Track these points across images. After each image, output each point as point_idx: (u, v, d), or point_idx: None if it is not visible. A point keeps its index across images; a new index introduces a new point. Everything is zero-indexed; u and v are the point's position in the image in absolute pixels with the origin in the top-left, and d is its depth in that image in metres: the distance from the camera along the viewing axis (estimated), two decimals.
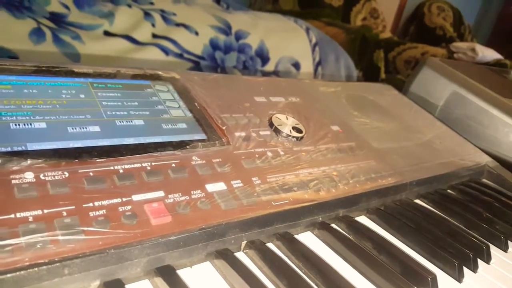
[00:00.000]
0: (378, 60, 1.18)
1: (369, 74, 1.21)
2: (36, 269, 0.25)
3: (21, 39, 0.72)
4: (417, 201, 0.48)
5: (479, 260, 0.39)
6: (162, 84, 0.44)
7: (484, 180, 0.58)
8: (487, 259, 0.40)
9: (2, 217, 0.26)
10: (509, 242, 0.44)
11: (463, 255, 0.38)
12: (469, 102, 0.66)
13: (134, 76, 0.44)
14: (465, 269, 0.38)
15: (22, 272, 0.24)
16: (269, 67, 1.02)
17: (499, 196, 0.52)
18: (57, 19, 0.79)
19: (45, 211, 0.27)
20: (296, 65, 1.07)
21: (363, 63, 1.20)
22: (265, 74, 0.99)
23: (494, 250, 0.42)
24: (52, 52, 0.74)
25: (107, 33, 0.83)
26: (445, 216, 0.46)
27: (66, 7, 0.81)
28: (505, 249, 0.43)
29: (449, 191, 0.52)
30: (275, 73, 1.02)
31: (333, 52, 1.16)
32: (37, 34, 0.74)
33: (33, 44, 0.73)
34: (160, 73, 0.45)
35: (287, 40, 1.07)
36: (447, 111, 0.69)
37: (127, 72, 0.44)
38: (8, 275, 0.24)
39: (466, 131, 0.65)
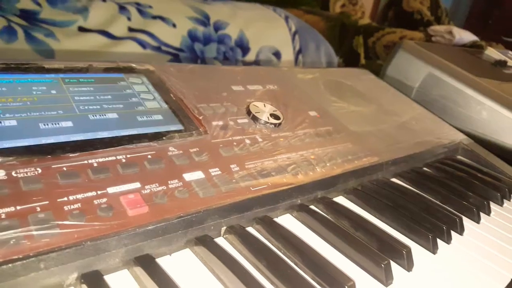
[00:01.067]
0: (357, 46, 1.19)
1: (349, 60, 1.22)
2: (10, 265, 0.25)
3: None
4: (394, 179, 0.49)
5: (453, 232, 0.40)
6: (136, 77, 0.44)
7: (459, 157, 0.59)
8: (461, 230, 0.41)
9: None
10: (481, 214, 0.45)
11: (436, 228, 0.39)
12: (443, 82, 0.67)
13: (107, 70, 0.43)
14: (439, 242, 0.39)
15: None
16: (250, 57, 1.02)
17: (472, 171, 0.53)
18: (29, 16, 0.78)
19: (18, 207, 0.27)
20: (277, 54, 1.07)
21: (343, 50, 1.20)
22: (246, 64, 0.99)
23: (467, 222, 0.43)
24: (24, 50, 0.72)
25: (81, 29, 0.82)
26: (420, 193, 0.47)
27: (38, 3, 0.80)
28: (477, 220, 0.44)
29: (424, 169, 0.53)
30: (256, 63, 1.02)
31: (313, 40, 1.16)
32: (8, 32, 0.73)
33: (4, 43, 0.72)
34: (133, 65, 0.45)
35: (267, 30, 1.07)
36: (423, 93, 0.70)
37: (100, 66, 0.43)
38: None
39: (442, 111, 0.66)
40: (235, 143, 0.40)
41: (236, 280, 0.29)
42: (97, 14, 0.83)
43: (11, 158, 0.30)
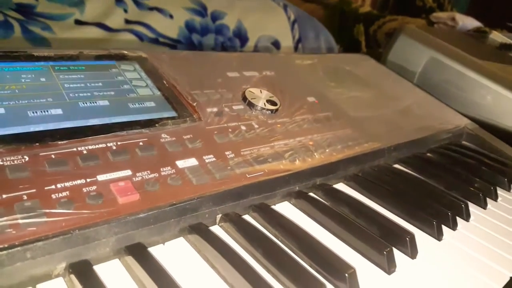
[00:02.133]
0: (358, 35, 1.17)
1: (350, 49, 1.20)
2: None
3: None
4: (396, 165, 0.48)
5: (458, 219, 0.39)
6: (128, 64, 0.43)
7: (464, 142, 0.58)
8: (466, 217, 0.40)
9: None
10: (488, 199, 0.44)
11: (441, 214, 0.38)
12: (446, 66, 0.66)
13: (98, 57, 0.42)
14: (445, 228, 0.37)
15: None
16: (248, 47, 1.00)
17: (478, 156, 0.52)
18: (25, 10, 0.77)
19: (4, 196, 0.26)
20: (276, 44, 1.06)
21: (344, 38, 1.18)
22: None
23: (473, 208, 0.42)
24: (22, 44, 0.71)
25: (78, 22, 0.81)
26: (423, 179, 0.45)
27: None
28: (484, 206, 0.43)
29: (428, 154, 0.52)
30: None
31: (312, 28, 1.14)
32: (4, 26, 0.72)
33: (1, 37, 0.71)
34: (125, 52, 0.44)
35: (265, 19, 1.06)
36: (425, 78, 0.68)
37: (91, 53, 0.42)
38: None
39: (445, 96, 0.65)
40: (230, 130, 0.39)
41: (231, 268, 0.28)
42: (93, 7, 0.82)
43: None
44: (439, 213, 0.38)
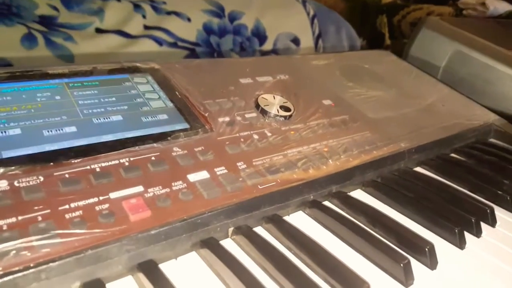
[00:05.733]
0: (381, 26, 1.14)
1: (373, 42, 1.17)
2: (11, 277, 0.24)
3: (14, 46, 0.72)
4: (418, 168, 0.46)
5: (483, 224, 0.37)
6: (141, 76, 0.44)
7: (491, 140, 0.55)
8: (492, 222, 0.38)
9: None
10: None
11: (464, 221, 0.36)
12: (472, 59, 0.62)
13: (111, 71, 0.43)
14: (468, 235, 0.36)
15: None
16: (267, 46, 0.99)
17: (506, 155, 0.49)
18: (47, 22, 0.79)
19: (19, 218, 0.27)
20: (296, 41, 1.04)
21: (366, 31, 1.15)
22: (264, 53, 0.97)
23: (500, 213, 0.40)
24: (45, 56, 0.74)
25: (98, 30, 0.82)
26: (447, 182, 0.44)
27: (55, 8, 0.81)
28: None
29: (452, 155, 0.49)
30: (274, 51, 1.00)
31: (333, 23, 1.12)
32: (28, 39, 0.74)
33: (26, 49, 0.73)
34: (138, 65, 0.45)
35: (284, 16, 1.04)
36: (450, 72, 0.65)
37: (104, 68, 0.43)
38: None
39: (471, 91, 0.62)
40: (242, 140, 0.39)
41: (240, 284, 0.27)
42: (112, 15, 0.83)
43: (13, 167, 0.30)
44: (461, 220, 0.36)
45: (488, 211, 0.38)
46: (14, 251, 0.25)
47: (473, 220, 0.36)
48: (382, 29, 1.15)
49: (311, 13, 1.07)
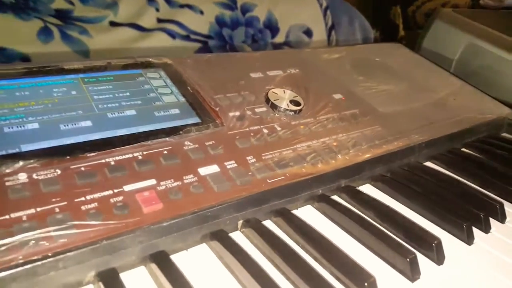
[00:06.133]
0: (395, 17, 1.12)
1: (387, 33, 1.16)
2: (30, 265, 0.26)
3: (30, 40, 0.73)
4: (428, 163, 0.46)
5: (492, 220, 0.37)
6: (153, 71, 0.44)
7: (504, 134, 0.55)
8: (502, 218, 0.38)
9: None
10: None
11: (473, 216, 0.36)
12: (485, 52, 0.62)
13: (125, 66, 0.44)
14: (477, 231, 0.36)
15: (17, 269, 0.25)
16: (279, 38, 0.99)
17: None
18: (63, 16, 0.80)
19: (38, 209, 0.28)
20: (308, 33, 1.04)
21: (380, 22, 1.14)
22: (276, 45, 0.97)
23: (510, 208, 0.40)
24: (61, 51, 0.75)
25: (113, 24, 0.83)
26: (457, 177, 0.44)
27: (70, 2, 0.82)
28: None
29: (463, 149, 0.49)
30: (286, 43, 0.99)
31: (346, 14, 1.11)
32: (44, 33, 0.75)
33: (42, 43, 0.75)
34: (151, 60, 0.45)
35: (296, 7, 1.04)
36: (463, 65, 0.65)
37: (118, 63, 0.44)
38: (5, 273, 0.25)
39: (484, 84, 0.61)
40: (252, 134, 0.40)
41: (247, 275, 0.28)
42: (126, 8, 0.84)
43: (32, 161, 0.31)
44: (470, 215, 0.37)
45: (497, 206, 0.38)
46: (33, 241, 0.27)
47: (481, 216, 0.36)
48: (396, 20, 1.13)
49: (324, 4, 1.06)
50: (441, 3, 1.13)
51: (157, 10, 0.86)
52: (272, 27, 0.97)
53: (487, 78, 0.62)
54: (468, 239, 0.35)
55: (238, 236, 0.33)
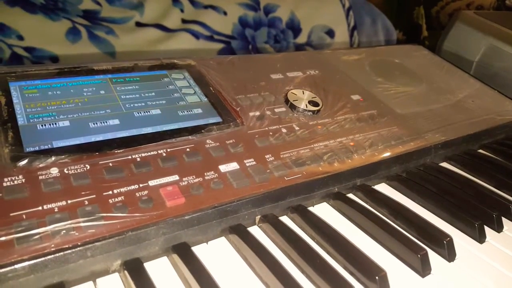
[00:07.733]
0: (418, 18, 1.11)
1: (410, 33, 1.15)
2: (62, 253, 0.28)
3: (59, 40, 0.77)
4: (444, 164, 0.47)
5: (505, 220, 0.38)
6: (178, 72, 0.46)
7: None
8: None
9: (32, 210, 0.29)
10: None
11: (485, 215, 0.37)
12: (506, 54, 0.61)
13: (151, 67, 0.46)
14: (489, 230, 0.37)
15: (50, 256, 0.27)
16: (302, 38, 1.00)
17: None
18: (91, 16, 0.83)
19: (69, 201, 0.31)
20: (330, 33, 1.04)
21: (403, 22, 1.13)
22: (298, 46, 0.98)
23: None
24: (89, 52, 0.77)
25: (138, 24, 0.86)
26: (472, 177, 0.44)
27: (98, 3, 0.85)
28: None
29: (480, 151, 0.49)
30: (308, 44, 1.00)
31: (368, 14, 1.11)
32: (73, 33, 0.78)
33: (70, 43, 0.78)
34: (176, 61, 0.47)
35: (319, 8, 1.04)
36: (483, 67, 0.64)
37: (145, 64, 0.46)
38: (38, 260, 0.27)
39: (505, 86, 0.61)
40: (271, 133, 0.41)
41: (264, 267, 0.30)
42: (152, 8, 0.86)
43: (63, 156, 0.34)
44: (482, 214, 0.37)
45: (511, 206, 0.38)
46: (64, 231, 0.29)
47: (494, 215, 0.37)
48: (419, 20, 1.13)
49: (347, 4, 1.06)
50: (466, 4, 1.11)
51: (182, 11, 0.89)
52: (294, 27, 0.98)
53: (507, 80, 0.62)
54: (480, 238, 0.36)
55: (255, 231, 0.35)
